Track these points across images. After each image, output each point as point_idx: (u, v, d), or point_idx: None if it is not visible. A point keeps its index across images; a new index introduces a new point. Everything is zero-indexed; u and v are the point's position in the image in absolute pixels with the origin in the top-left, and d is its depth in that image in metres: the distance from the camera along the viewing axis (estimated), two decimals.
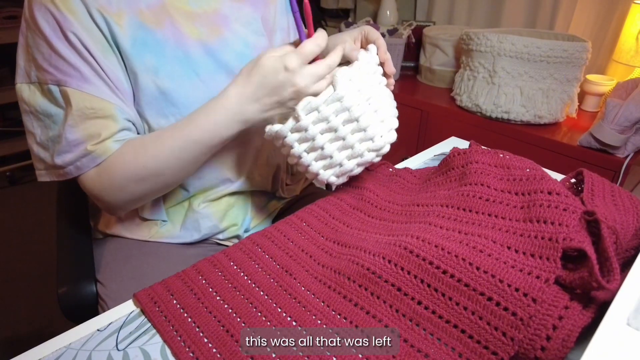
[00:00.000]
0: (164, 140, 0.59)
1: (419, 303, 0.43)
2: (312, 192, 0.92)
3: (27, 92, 0.59)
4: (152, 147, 0.59)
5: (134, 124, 0.62)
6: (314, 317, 0.45)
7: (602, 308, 0.37)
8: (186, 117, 0.60)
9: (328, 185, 1.13)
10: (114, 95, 0.59)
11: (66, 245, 0.68)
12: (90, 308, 0.63)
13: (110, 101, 0.58)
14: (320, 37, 0.56)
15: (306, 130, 0.55)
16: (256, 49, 0.70)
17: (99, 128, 0.57)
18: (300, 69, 0.54)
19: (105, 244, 0.73)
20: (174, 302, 0.47)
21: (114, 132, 0.58)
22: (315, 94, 0.55)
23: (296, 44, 0.59)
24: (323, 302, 0.47)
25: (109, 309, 0.58)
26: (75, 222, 0.73)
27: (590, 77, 1.38)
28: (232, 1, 0.69)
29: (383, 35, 1.67)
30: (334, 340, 0.42)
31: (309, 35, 0.56)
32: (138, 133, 0.63)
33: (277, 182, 0.81)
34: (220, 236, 0.76)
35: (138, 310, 0.48)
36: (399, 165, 0.74)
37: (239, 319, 0.45)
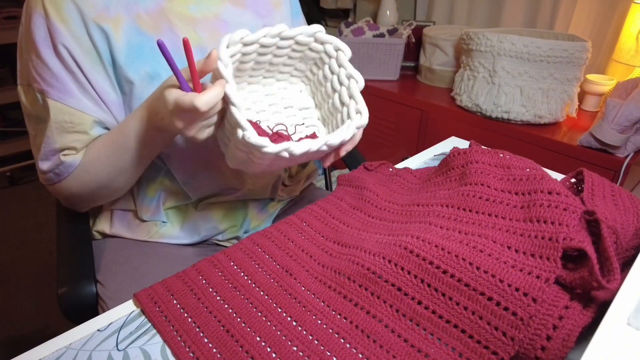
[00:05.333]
0: (101, 153, 0.60)
1: (419, 303, 0.43)
2: (312, 192, 0.92)
3: (24, 94, 0.60)
4: (97, 159, 0.60)
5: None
6: (314, 317, 0.45)
7: (602, 308, 0.37)
8: (116, 127, 0.61)
9: (328, 185, 1.14)
10: (97, 108, 0.59)
11: (66, 246, 0.68)
12: (90, 308, 0.63)
13: (90, 114, 0.59)
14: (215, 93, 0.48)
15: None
16: None
17: (75, 142, 0.59)
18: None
19: (105, 245, 0.73)
20: (174, 302, 0.47)
21: (87, 144, 0.60)
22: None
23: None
24: (323, 302, 0.47)
25: (108, 309, 0.58)
26: (75, 222, 0.73)
27: (590, 76, 1.38)
28: (233, 7, 0.68)
29: (383, 35, 1.66)
30: (334, 340, 0.42)
31: (193, 80, 0.49)
32: None
33: (276, 190, 0.81)
34: (220, 237, 0.76)
35: (138, 310, 0.48)
36: (399, 165, 0.74)
37: (239, 319, 0.45)
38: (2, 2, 1.98)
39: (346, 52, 0.60)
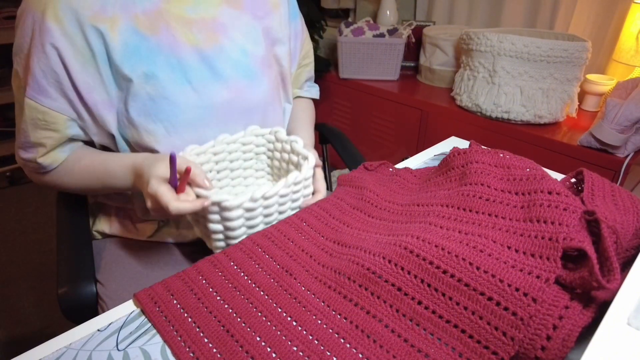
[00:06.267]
0: (82, 174, 0.65)
1: (419, 303, 0.43)
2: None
3: (13, 79, 0.62)
4: (76, 175, 0.64)
5: (85, 132, 0.64)
6: (314, 317, 0.45)
7: (602, 308, 0.37)
8: (104, 157, 0.64)
9: (328, 185, 1.14)
10: (70, 108, 0.61)
11: (66, 246, 0.69)
12: (90, 308, 0.63)
13: (64, 114, 0.60)
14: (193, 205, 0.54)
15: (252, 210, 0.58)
16: (254, 58, 0.70)
17: (47, 139, 0.61)
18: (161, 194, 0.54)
19: (105, 244, 0.73)
20: (174, 302, 0.47)
21: (60, 142, 0.62)
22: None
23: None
24: (323, 302, 0.47)
25: (108, 309, 0.59)
26: (75, 222, 0.73)
27: (590, 76, 1.38)
28: (231, 9, 0.69)
29: (383, 35, 1.66)
30: (334, 340, 0.42)
31: (179, 185, 0.55)
32: (88, 140, 0.66)
33: None
34: None
35: (138, 310, 0.48)
36: (399, 165, 0.74)
37: (239, 319, 0.45)
38: (2, 2, 1.98)
39: (282, 131, 0.70)
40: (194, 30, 0.64)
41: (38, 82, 0.58)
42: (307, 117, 0.88)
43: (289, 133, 0.82)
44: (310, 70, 0.90)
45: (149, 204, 0.55)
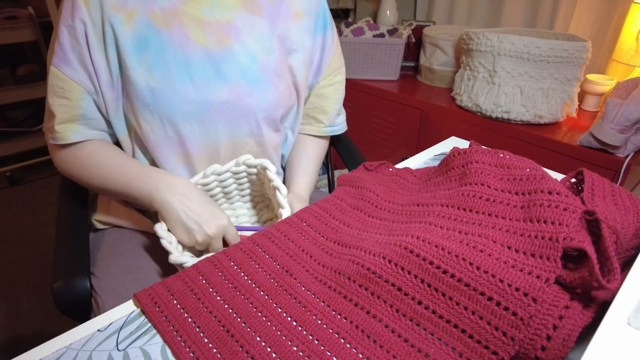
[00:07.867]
0: (107, 175, 0.66)
1: (419, 303, 0.43)
2: (313, 192, 0.92)
3: (49, 59, 0.65)
4: (102, 172, 0.66)
5: (101, 112, 0.66)
6: (314, 317, 0.45)
7: (602, 308, 0.37)
8: (137, 168, 0.66)
9: (331, 189, 1.14)
10: (89, 81, 0.64)
11: (64, 241, 0.69)
12: (84, 302, 0.62)
13: (81, 85, 0.63)
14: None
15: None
16: (263, 66, 0.69)
17: (59, 107, 0.63)
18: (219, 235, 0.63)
19: (102, 236, 0.74)
20: (174, 302, 0.47)
21: (72, 115, 0.64)
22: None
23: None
24: (323, 302, 0.47)
25: (103, 302, 0.59)
26: (74, 216, 0.74)
27: (590, 76, 1.38)
28: (248, 15, 0.69)
29: (383, 35, 1.67)
30: (334, 340, 0.42)
31: None
32: (108, 127, 0.69)
33: None
34: None
35: (138, 310, 0.48)
36: (399, 165, 0.73)
37: (239, 319, 0.45)
38: (2, 2, 1.98)
39: (271, 169, 0.70)
40: (206, 32, 0.65)
41: (65, 52, 0.62)
42: (320, 159, 0.88)
43: (294, 167, 0.83)
44: (341, 91, 0.87)
45: (194, 230, 0.61)
